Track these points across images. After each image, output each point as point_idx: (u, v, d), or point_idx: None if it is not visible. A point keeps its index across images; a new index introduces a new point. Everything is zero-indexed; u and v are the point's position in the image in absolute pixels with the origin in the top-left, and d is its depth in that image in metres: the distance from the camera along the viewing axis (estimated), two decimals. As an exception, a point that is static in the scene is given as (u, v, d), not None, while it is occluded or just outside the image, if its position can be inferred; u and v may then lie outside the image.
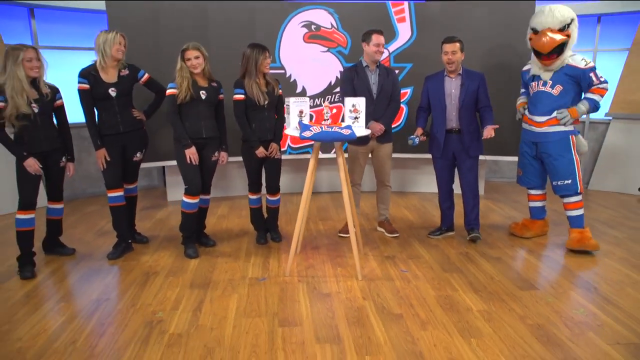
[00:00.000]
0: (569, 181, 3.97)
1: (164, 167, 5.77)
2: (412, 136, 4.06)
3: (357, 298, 3.18)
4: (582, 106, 3.89)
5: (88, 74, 3.69)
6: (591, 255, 3.92)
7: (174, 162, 5.19)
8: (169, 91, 3.72)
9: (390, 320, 2.90)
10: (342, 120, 3.63)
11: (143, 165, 4.94)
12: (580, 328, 2.80)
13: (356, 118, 3.55)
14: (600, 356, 2.53)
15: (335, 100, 5.49)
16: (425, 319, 2.90)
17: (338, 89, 5.49)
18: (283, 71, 5.36)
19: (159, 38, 4.99)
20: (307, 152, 5.61)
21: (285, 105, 3.58)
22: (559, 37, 3.83)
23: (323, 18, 5.35)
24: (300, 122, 3.43)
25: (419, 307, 3.05)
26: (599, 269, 3.66)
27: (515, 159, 4.99)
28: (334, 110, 3.66)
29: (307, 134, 3.24)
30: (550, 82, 3.95)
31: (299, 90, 5.43)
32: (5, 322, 2.89)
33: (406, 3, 5.36)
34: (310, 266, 3.71)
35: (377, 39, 3.95)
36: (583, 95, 3.93)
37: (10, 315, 2.98)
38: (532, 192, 4.32)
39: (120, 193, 3.88)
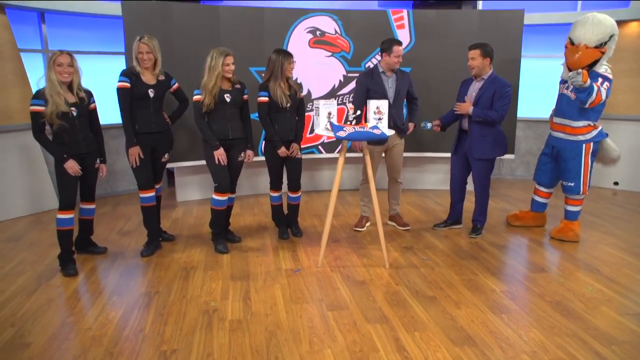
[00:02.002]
0: (572, 184, 4.32)
1: (168, 168, 5.90)
2: (426, 121, 4.37)
3: (390, 284, 3.47)
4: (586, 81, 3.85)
5: (130, 74, 3.86)
6: (582, 243, 4.34)
7: (185, 164, 5.44)
8: (195, 97, 3.91)
9: (426, 301, 3.20)
10: (365, 121, 3.92)
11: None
12: (593, 303, 3.18)
13: (380, 119, 3.84)
14: (615, 324, 2.91)
15: (339, 102, 5.77)
16: (457, 300, 3.22)
17: (341, 92, 5.79)
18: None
19: (172, 39, 5.14)
20: (313, 152, 5.87)
21: (314, 107, 3.84)
22: (592, 54, 3.98)
23: (327, 24, 5.63)
24: (331, 123, 3.70)
25: (448, 290, 3.37)
26: (596, 253, 4.07)
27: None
28: (359, 112, 3.93)
29: (341, 133, 3.52)
30: (572, 86, 4.08)
31: (304, 92, 5.68)
32: (69, 315, 3.04)
33: (405, 11, 5.70)
34: (338, 257, 3.98)
35: (397, 50, 4.25)
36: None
37: (70, 308, 3.13)
38: (538, 187, 4.71)
39: (152, 194, 4.05)
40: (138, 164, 3.96)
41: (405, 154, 5.81)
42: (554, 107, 4.60)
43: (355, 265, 3.82)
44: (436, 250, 4.14)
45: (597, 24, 4.03)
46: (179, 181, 5.80)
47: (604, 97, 3.99)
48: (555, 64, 5.23)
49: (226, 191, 4.04)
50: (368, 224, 4.75)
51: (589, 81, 3.86)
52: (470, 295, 3.29)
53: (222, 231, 4.19)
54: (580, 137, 4.26)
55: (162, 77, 4.05)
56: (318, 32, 5.63)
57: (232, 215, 4.48)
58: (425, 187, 6.37)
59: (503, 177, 7.05)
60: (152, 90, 3.94)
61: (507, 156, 5.03)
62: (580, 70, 3.84)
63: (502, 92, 4.17)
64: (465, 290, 3.37)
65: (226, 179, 4.02)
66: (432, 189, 6.32)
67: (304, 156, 5.82)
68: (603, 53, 4.07)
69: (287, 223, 4.54)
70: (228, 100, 3.98)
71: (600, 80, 4.06)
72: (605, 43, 4.06)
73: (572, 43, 4.19)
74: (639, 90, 6.27)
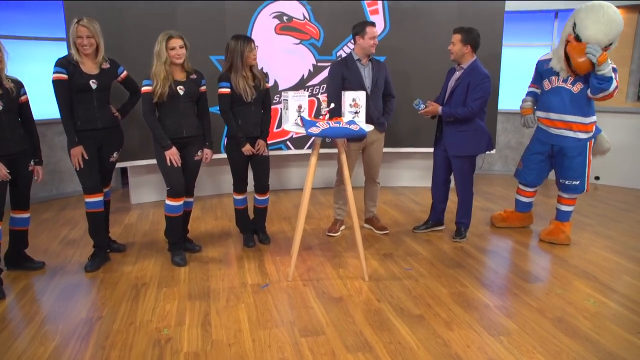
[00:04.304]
0: (577, 182, 3.99)
1: (122, 167, 5.35)
2: (420, 100, 3.93)
3: (371, 300, 3.06)
4: (608, 66, 3.58)
5: (67, 63, 3.31)
6: (573, 245, 4.03)
7: (139, 162, 4.90)
8: (145, 88, 3.40)
9: (413, 322, 2.80)
10: (338, 115, 3.49)
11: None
12: (599, 319, 2.84)
13: (356, 113, 3.41)
14: (626, 345, 2.57)
15: (309, 94, 5.31)
16: (447, 319, 2.83)
17: (311, 83, 5.33)
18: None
19: (122, 25, 4.57)
20: (280, 149, 5.41)
21: (283, 100, 3.38)
22: (600, 59, 3.55)
23: (295, 9, 5.15)
24: (302, 118, 3.24)
25: (436, 307, 2.98)
26: (589, 257, 3.76)
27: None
28: (333, 105, 3.49)
29: (314, 130, 3.07)
30: (572, 78, 3.80)
31: (270, 84, 5.18)
32: (-13, 353, 2.52)
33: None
34: (310, 268, 3.55)
35: (371, 31, 3.82)
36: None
37: (-10, 343, 2.61)
38: (523, 188, 4.36)
39: (100, 198, 3.52)
40: (82, 166, 3.43)
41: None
42: (527, 107, 4.24)
43: (331, 278, 3.39)
44: (419, 258, 3.75)
45: (609, 23, 3.57)
46: (133, 181, 5.25)
47: (611, 90, 3.68)
48: (535, 53, 4.88)
49: (180, 195, 3.54)
50: (342, 227, 4.33)
51: (609, 68, 3.53)
52: (462, 313, 2.90)
53: (179, 240, 3.70)
54: (589, 134, 3.92)
55: (106, 65, 3.52)
56: (285, 18, 5.14)
57: (191, 220, 3.99)
58: (402, 184, 5.99)
59: (481, 173, 6.73)
60: (94, 81, 3.40)
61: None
62: (598, 48, 3.49)
63: (475, 84, 3.77)
64: (456, 306, 2.99)
65: (180, 181, 3.53)
66: (409, 187, 5.94)
67: (270, 153, 5.37)
68: (607, 49, 3.69)
69: (253, 229, 4.07)
70: (181, 92, 3.48)
71: (614, 74, 3.71)
72: (612, 43, 3.70)
73: (577, 39, 3.71)
74: (620, 81, 6.01)
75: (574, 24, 3.74)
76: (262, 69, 5.07)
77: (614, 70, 3.69)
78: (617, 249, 3.93)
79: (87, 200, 3.49)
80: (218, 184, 5.54)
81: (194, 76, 3.59)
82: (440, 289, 3.22)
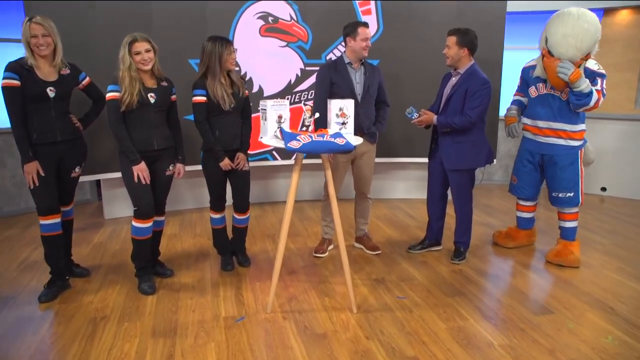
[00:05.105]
0: (572, 194, 3.69)
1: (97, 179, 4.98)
2: (414, 108, 3.59)
3: (359, 338, 2.69)
4: (584, 82, 3.36)
5: (20, 68, 2.93)
6: (583, 267, 3.68)
7: (111, 175, 4.52)
8: (110, 95, 3.03)
9: (407, 366, 2.44)
10: (322, 126, 3.13)
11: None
12: (619, 362, 2.48)
13: (344, 124, 3.05)
14: (654, 398, 2.21)
15: (296, 100, 4.96)
16: (446, 362, 2.47)
17: (299, 88, 4.97)
18: (237, 68, 4.74)
19: (90, 28, 4.21)
20: (266, 159, 5.04)
21: (261, 109, 3.02)
22: (574, 75, 3.33)
23: (281, 9, 4.79)
24: (282, 130, 2.88)
25: (433, 345, 2.62)
26: (602, 283, 3.40)
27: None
28: (317, 115, 3.13)
29: (294, 144, 2.70)
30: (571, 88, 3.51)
31: (255, 89, 4.84)
32: None
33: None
34: (293, 297, 3.18)
35: (364, 32, 3.47)
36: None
37: None
38: (523, 202, 4.03)
39: (57, 220, 3.15)
40: (36, 184, 3.05)
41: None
42: (512, 115, 3.97)
43: (315, 309, 3.02)
44: (414, 283, 3.38)
45: (581, 35, 3.33)
46: (107, 195, 4.87)
47: (603, 98, 3.46)
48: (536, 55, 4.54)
49: (148, 216, 3.17)
50: (331, 247, 3.96)
51: (580, 79, 3.30)
52: (462, 354, 2.54)
53: (147, 265, 3.33)
54: (579, 142, 3.66)
55: (66, 71, 3.15)
56: (270, 18, 4.78)
57: (167, 238, 3.65)
58: (397, 196, 5.63)
59: (479, 183, 6.37)
60: (52, 88, 3.04)
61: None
62: (569, 66, 3.29)
63: (474, 91, 3.44)
64: (455, 345, 2.62)
65: (148, 201, 3.16)
66: (404, 199, 5.58)
67: (255, 164, 5.01)
68: (586, 59, 3.45)
69: (232, 250, 3.70)
70: (152, 101, 3.12)
71: (599, 81, 3.47)
72: (592, 51, 3.46)
73: (551, 54, 3.48)
74: (628, 87, 5.70)
75: (546, 39, 3.52)
76: (245, 73, 4.79)
77: (602, 76, 3.48)
78: (632, 272, 3.58)
79: (42, 222, 3.12)
80: (199, 197, 5.16)
81: (164, 83, 3.23)
82: (438, 322, 2.85)
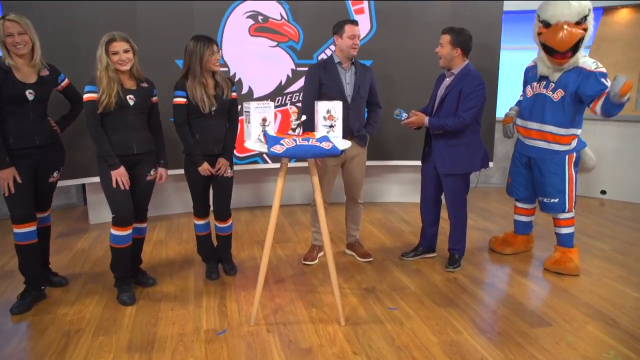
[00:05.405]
0: (556, 200, 3.55)
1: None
2: (402, 110, 3.45)
3: (346, 353, 2.55)
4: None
5: None
6: (583, 275, 3.53)
7: (95, 179, 4.36)
8: (87, 96, 2.89)
9: (395, 384, 2.30)
10: (311, 129, 2.99)
11: (60, 183, 4.12)
12: (621, 379, 2.34)
13: (331, 126, 2.91)
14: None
15: (286, 102, 4.82)
16: (437, 380, 2.33)
17: (289, 90, 4.83)
18: (226, 69, 4.60)
19: (71, 32, 4.07)
20: (257, 162, 4.89)
21: (244, 112, 2.88)
22: (577, 31, 3.29)
23: (272, 8, 4.65)
24: (265, 133, 2.74)
25: (424, 362, 2.47)
26: (603, 292, 3.26)
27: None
28: (304, 117, 2.98)
29: (277, 149, 2.56)
30: (553, 84, 3.43)
31: (244, 91, 4.70)
32: None
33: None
34: (279, 308, 3.04)
35: (351, 29, 3.33)
36: (585, 101, 3.36)
37: None
38: (519, 204, 3.89)
39: (32, 228, 2.99)
40: (12, 191, 2.91)
41: (368, 163, 4.94)
42: (514, 105, 3.93)
43: (301, 321, 2.87)
44: (406, 293, 3.24)
45: None
46: (92, 199, 4.72)
47: None
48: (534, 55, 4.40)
49: (127, 224, 3.03)
50: (321, 254, 3.82)
51: (628, 95, 3.07)
52: (455, 371, 2.40)
53: (127, 275, 3.18)
54: (566, 147, 3.49)
55: (45, 72, 3.02)
56: (260, 18, 4.64)
57: (153, 244, 3.50)
58: (391, 199, 5.49)
59: (476, 187, 6.24)
60: (31, 91, 2.91)
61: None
62: (622, 78, 3.03)
63: (468, 92, 3.30)
64: (447, 361, 2.48)
65: (127, 207, 3.01)
66: (398, 202, 5.43)
67: (245, 167, 4.87)
68: (585, 30, 3.34)
69: (217, 258, 3.56)
70: (132, 102, 2.98)
71: (605, 82, 3.30)
72: (585, 18, 3.33)
73: (546, 25, 3.41)
74: (635, 88, 5.54)
75: (538, 16, 3.52)
76: (234, 74, 4.65)
77: (604, 75, 3.33)
78: (634, 281, 3.43)
79: (16, 231, 2.97)
80: (188, 201, 4.87)
81: (144, 84, 3.08)
82: (430, 336, 2.71)
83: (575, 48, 3.32)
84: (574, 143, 3.51)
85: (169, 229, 4.54)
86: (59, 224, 4.71)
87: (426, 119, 3.39)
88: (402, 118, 3.43)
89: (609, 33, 5.43)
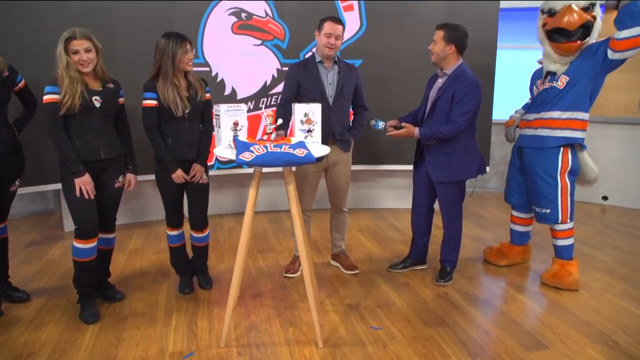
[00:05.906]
0: (548, 210, 3.32)
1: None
2: (378, 119, 3.20)
3: (321, 381, 2.32)
4: None
5: None
6: (583, 290, 3.30)
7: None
8: (48, 97, 2.66)
9: (373, 419, 2.06)
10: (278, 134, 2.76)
11: (34, 188, 3.92)
12: (624, 414, 2.10)
13: (309, 131, 2.68)
14: None
15: (272, 103, 4.59)
16: (420, 414, 2.10)
17: (275, 90, 4.60)
18: (207, 69, 4.38)
19: (45, 32, 3.84)
20: (241, 166, 4.65)
21: (215, 115, 2.66)
22: (585, 15, 3.09)
23: (255, 5, 4.42)
24: (235, 139, 2.51)
25: (407, 392, 2.24)
26: (605, 310, 3.02)
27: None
28: (280, 121, 2.75)
29: (245, 156, 2.33)
30: (562, 76, 3.22)
31: (227, 92, 4.47)
32: None
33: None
34: (253, 327, 2.80)
35: (329, 27, 3.09)
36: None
37: None
38: (515, 213, 3.67)
39: (-15, 241, 2.78)
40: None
41: (357, 167, 4.70)
42: (521, 109, 3.74)
43: (276, 343, 2.64)
44: (392, 310, 3.01)
45: None
46: (66, 206, 4.48)
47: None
48: (534, 55, 4.17)
49: (91, 236, 2.80)
50: (304, 265, 3.58)
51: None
52: (440, 403, 2.17)
53: (91, 290, 2.95)
54: (560, 134, 3.23)
55: (5, 74, 2.82)
56: (244, 15, 4.41)
57: (127, 252, 3.27)
58: (382, 205, 5.26)
59: (473, 193, 6.00)
60: None
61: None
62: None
63: (462, 95, 3.06)
64: (433, 390, 2.25)
65: (91, 218, 2.79)
66: (390, 208, 5.20)
67: (228, 171, 4.64)
68: (594, 18, 3.13)
69: (192, 271, 3.33)
70: (97, 105, 2.75)
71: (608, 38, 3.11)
72: (593, 7, 3.13)
73: (552, 15, 3.20)
74: (632, 89, 5.32)
75: (541, 11, 3.34)
76: (216, 74, 4.42)
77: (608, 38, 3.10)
78: (638, 297, 3.19)
79: (-30, 245, 2.76)
80: None
81: (110, 85, 2.86)
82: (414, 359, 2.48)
83: (584, 34, 3.12)
84: (573, 133, 3.23)
85: (146, 237, 4.31)
86: (32, 231, 4.50)
87: (416, 130, 3.14)
88: (379, 128, 3.19)
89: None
